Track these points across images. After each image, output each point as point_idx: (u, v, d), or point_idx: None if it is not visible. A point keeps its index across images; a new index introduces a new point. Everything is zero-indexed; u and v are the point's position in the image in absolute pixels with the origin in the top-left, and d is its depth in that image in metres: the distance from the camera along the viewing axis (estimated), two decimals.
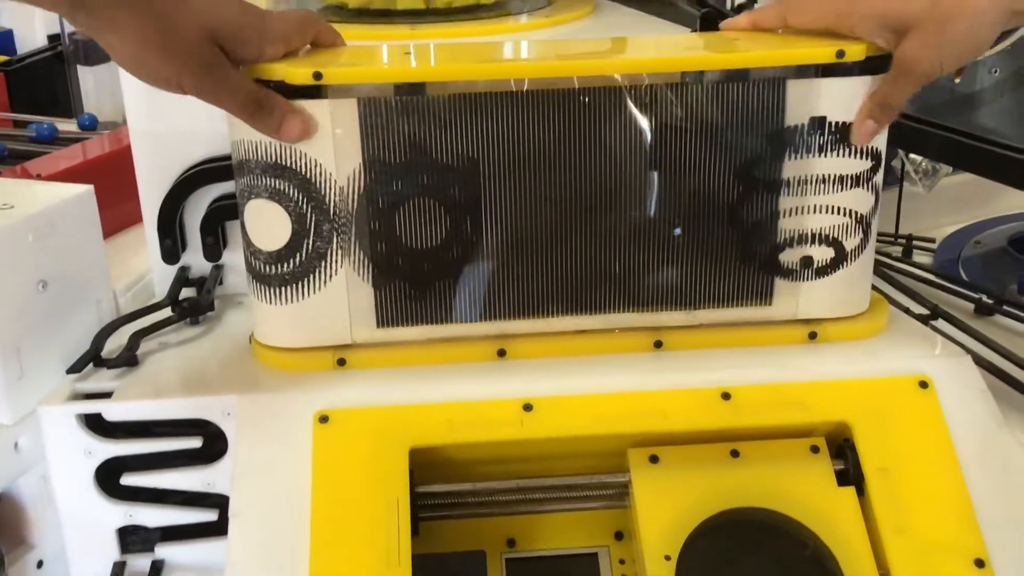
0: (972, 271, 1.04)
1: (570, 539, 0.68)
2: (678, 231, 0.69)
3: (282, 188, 0.66)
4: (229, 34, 0.60)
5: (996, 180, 0.85)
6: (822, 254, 0.71)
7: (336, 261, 0.68)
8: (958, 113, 1.09)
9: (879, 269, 0.85)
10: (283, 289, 0.69)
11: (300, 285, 0.69)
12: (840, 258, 0.71)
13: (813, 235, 0.70)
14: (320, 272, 0.68)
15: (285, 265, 0.68)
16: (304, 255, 0.68)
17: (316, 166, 0.66)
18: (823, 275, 0.72)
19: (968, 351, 0.73)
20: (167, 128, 0.80)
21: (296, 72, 0.63)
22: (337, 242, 0.67)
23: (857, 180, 0.70)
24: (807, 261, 0.71)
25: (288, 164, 0.66)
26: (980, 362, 0.73)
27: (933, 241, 1.10)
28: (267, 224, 0.68)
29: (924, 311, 0.84)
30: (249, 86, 0.62)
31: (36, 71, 1.58)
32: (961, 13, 0.61)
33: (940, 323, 0.82)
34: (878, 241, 0.73)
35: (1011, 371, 0.75)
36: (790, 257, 0.71)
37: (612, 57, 0.71)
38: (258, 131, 0.64)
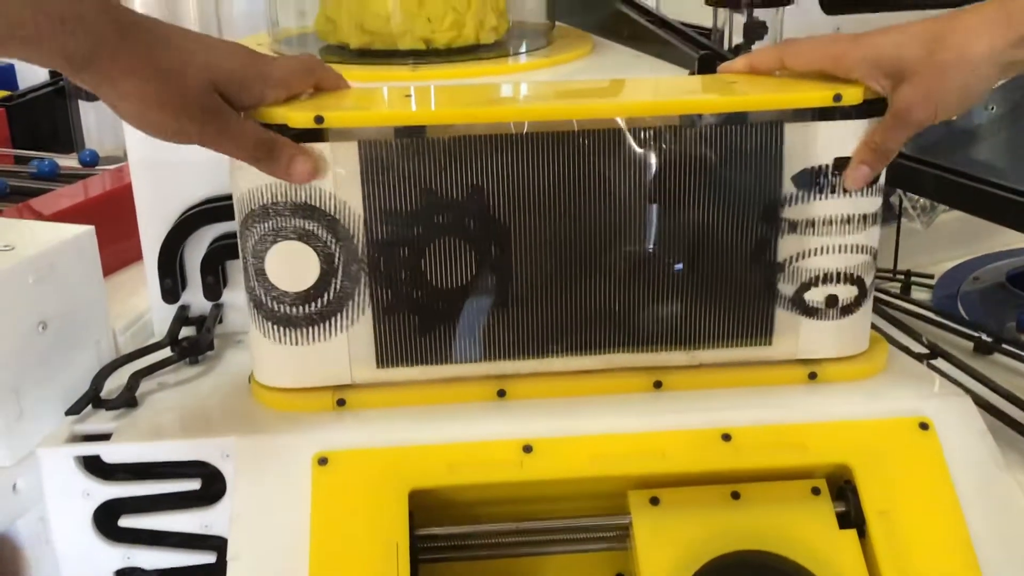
0: (971, 307, 1.04)
1: None
2: (679, 266, 0.70)
3: (311, 229, 0.67)
4: (231, 82, 0.61)
5: (992, 221, 0.86)
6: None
7: (364, 299, 0.68)
8: (954, 150, 1.10)
9: (877, 306, 0.85)
10: (309, 329, 0.69)
11: (328, 324, 0.69)
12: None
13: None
14: (348, 311, 0.69)
15: (313, 305, 0.68)
16: (332, 295, 0.68)
17: (344, 207, 0.66)
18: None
19: (967, 391, 0.73)
20: (168, 167, 0.81)
21: (297, 116, 0.64)
22: (364, 281, 0.68)
23: (856, 221, 0.70)
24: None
25: (317, 205, 0.66)
26: (980, 402, 0.73)
27: (931, 277, 1.11)
28: (293, 266, 0.68)
29: (923, 349, 0.84)
30: (255, 131, 0.63)
31: (37, 106, 1.59)
32: (957, 64, 0.62)
33: (939, 362, 0.82)
34: (876, 277, 0.73)
35: (1011, 412, 0.75)
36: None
37: (611, 99, 0.72)
38: (267, 174, 0.64)
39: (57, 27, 0.53)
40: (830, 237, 0.70)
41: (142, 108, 0.58)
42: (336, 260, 0.68)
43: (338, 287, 0.68)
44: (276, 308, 0.69)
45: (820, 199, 0.69)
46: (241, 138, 0.62)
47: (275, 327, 0.69)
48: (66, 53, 0.54)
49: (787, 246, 0.70)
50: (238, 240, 0.69)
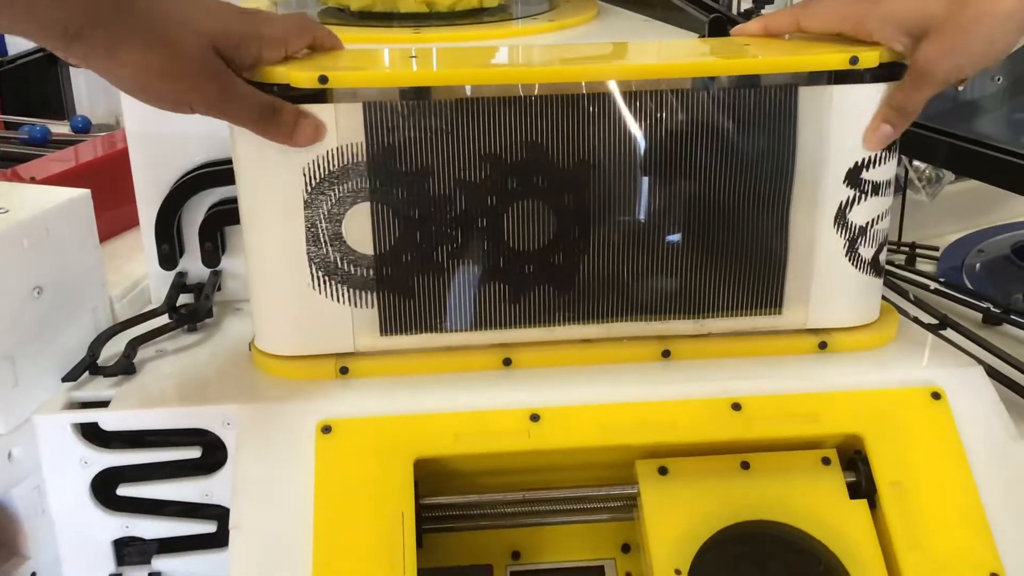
0: (976, 279, 1.03)
1: (576, 551, 0.67)
2: (674, 237, 0.68)
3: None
4: (229, 43, 0.59)
5: (1003, 187, 0.85)
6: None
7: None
8: (961, 121, 1.09)
9: (884, 278, 0.84)
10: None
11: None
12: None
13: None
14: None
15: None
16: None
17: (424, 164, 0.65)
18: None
19: (978, 361, 0.72)
20: (165, 131, 0.79)
21: (300, 76, 0.62)
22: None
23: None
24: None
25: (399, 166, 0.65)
26: (990, 372, 0.72)
27: (936, 249, 1.10)
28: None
29: (932, 320, 0.83)
30: (257, 96, 0.61)
31: (27, 73, 1.56)
32: (984, 16, 0.60)
33: (948, 333, 0.81)
34: None
35: (1022, 381, 0.74)
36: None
37: (621, 62, 0.70)
38: (268, 139, 0.62)
39: None
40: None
41: (141, 77, 0.56)
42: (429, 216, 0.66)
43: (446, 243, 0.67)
44: (359, 272, 0.67)
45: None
46: (244, 103, 0.60)
47: (358, 291, 0.68)
48: (59, 23, 0.52)
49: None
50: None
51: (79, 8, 0.52)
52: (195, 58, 0.57)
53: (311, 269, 0.67)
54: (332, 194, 0.65)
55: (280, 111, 0.62)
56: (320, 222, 0.66)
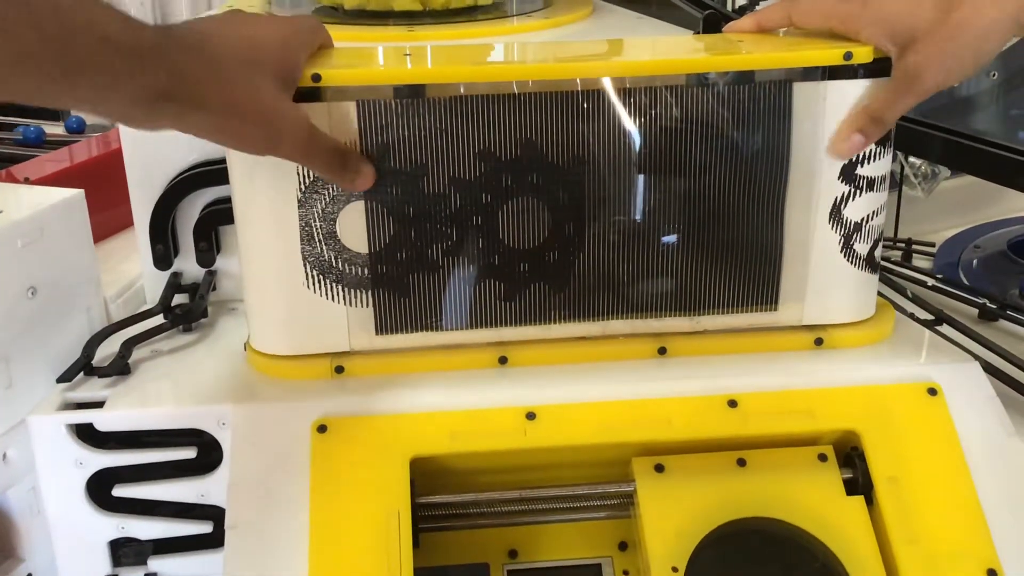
0: (972, 275, 1.03)
1: (573, 550, 0.67)
2: (672, 238, 0.68)
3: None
4: (286, 72, 0.59)
5: (998, 183, 0.85)
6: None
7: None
8: (956, 117, 1.09)
9: (880, 274, 0.84)
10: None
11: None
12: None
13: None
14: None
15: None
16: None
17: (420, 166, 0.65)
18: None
19: (975, 357, 0.72)
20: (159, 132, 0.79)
21: None
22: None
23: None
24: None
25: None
26: (987, 368, 0.72)
27: (932, 245, 1.10)
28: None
29: (928, 316, 0.83)
30: (333, 144, 0.62)
31: None
32: (969, 25, 0.60)
33: (945, 329, 0.81)
34: None
35: (1019, 377, 0.74)
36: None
37: (615, 59, 0.70)
38: (334, 183, 0.64)
39: (134, 62, 0.47)
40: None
41: (225, 140, 0.57)
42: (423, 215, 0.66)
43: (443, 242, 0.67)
44: (354, 270, 0.67)
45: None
46: (324, 153, 0.61)
47: (354, 290, 0.68)
48: (142, 91, 0.48)
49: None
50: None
51: (161, 74, 0.49)
52: (290, 119, 0.57)
53: (305, 268, 0.67)
54: (326, 192, 0.65)
55: (351, 160, 0.63)
56: (314, 221, 0.66)
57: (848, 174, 0.68)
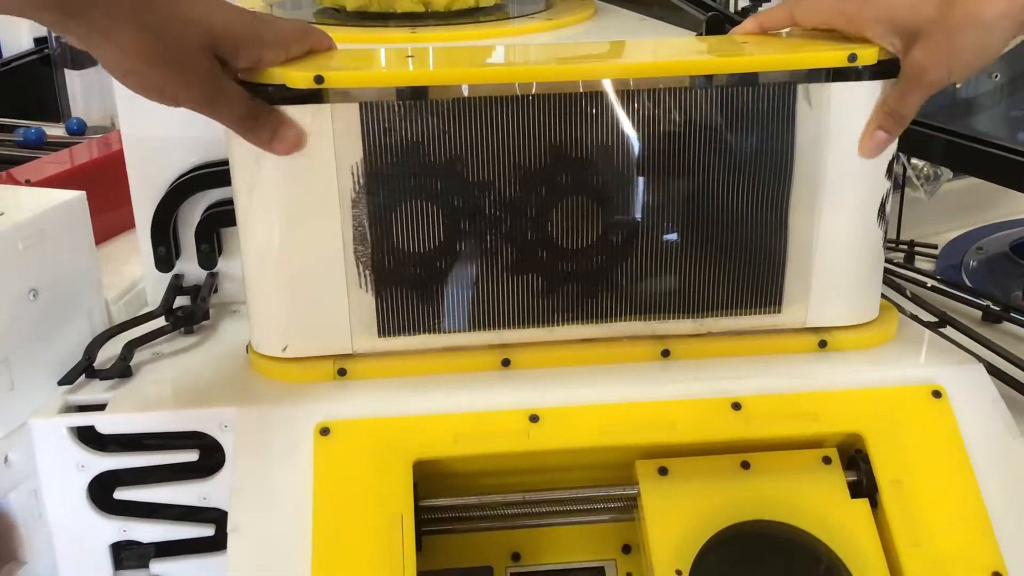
0: (975, 277, 1.03)
1: (576, 553, 0.67)
2: (675, 236, 0.68)
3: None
4: (228, 43, 0.58)
5: (1001, 184, 0.84)
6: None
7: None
8: (959, 118, 1.09)
9: (883, 276, 0.84)
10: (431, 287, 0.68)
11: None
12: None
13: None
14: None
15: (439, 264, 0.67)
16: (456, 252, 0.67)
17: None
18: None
19: (979, 359, 0.72)
20: (161, 132, 0.79)
21: (296, 76, 0.62)
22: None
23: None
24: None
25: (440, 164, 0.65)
26: (991, 370, 0.72)
27: (935, 247, 1.10)
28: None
29: (931, 318, 0.83)
30: (245, 99, 0.60)
31: (22, 75, 1.56)
32: (973, 23, 0.60)
33: (948, 331, 0.81)
34: None
35: (1023, 379, 0.74)
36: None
37: (618, 61, 0.70)
38: (250, 143, 0.62)
39: None
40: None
41: (133, 62, 0.55)
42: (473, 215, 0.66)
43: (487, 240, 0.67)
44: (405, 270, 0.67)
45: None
46: (233, 106, 0.60)
47: (403, 288, 0.68)
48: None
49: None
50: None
51: None
52: (189, 51, 0.56)
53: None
54: None
55: (265, 117, 0.61)
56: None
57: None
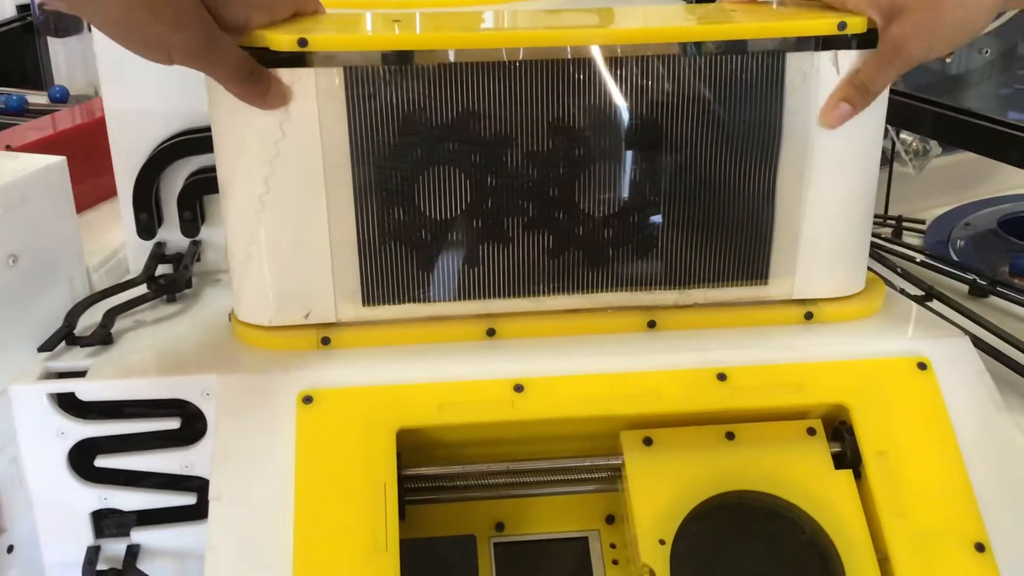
0: (962, 252, 1.03)
1: (560, 523, 0.67)
2: (660, 214, 0.67)
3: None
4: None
5: (991, 157, 0.84)
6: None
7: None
8: (948, 93, 1.08)
9: (871, 250, 0.84)
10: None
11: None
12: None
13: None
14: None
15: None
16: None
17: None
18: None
19: (964, 332, 0.72)
20: (143, 98, 0.77)
21: (280, 38, 0.61)
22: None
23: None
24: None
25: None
26: (977, 343, 0.72)
27: (923, 223, 1.10)
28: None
29: (918, 292, 0.83)
30: (239, 53, 0.59)
31: (4, 42, 1.54)
32: (959, 1, 0.59)
33: (935, 304, 0.81)
34: None
35: (1009, 352, 0.74)
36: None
37: (607, 27, 0.69)
38: (241, 98, 0.61)
39: None
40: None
41: (127, 15, 0.54)
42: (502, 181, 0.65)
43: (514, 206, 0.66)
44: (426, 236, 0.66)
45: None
46: (226, 58, 0.59)
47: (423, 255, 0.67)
48: None
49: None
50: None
51: None
52: (184, 4, 0.55)
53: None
54: None
55: (258, 73, 0.60)
56: None
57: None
